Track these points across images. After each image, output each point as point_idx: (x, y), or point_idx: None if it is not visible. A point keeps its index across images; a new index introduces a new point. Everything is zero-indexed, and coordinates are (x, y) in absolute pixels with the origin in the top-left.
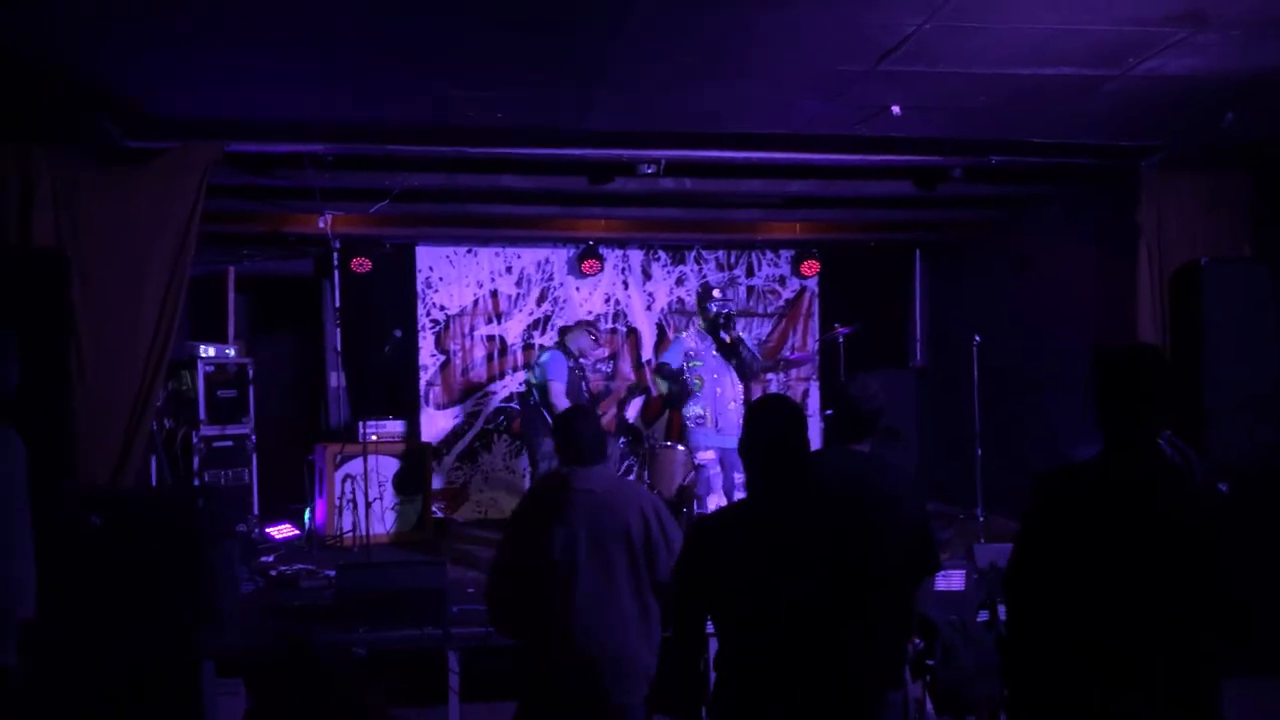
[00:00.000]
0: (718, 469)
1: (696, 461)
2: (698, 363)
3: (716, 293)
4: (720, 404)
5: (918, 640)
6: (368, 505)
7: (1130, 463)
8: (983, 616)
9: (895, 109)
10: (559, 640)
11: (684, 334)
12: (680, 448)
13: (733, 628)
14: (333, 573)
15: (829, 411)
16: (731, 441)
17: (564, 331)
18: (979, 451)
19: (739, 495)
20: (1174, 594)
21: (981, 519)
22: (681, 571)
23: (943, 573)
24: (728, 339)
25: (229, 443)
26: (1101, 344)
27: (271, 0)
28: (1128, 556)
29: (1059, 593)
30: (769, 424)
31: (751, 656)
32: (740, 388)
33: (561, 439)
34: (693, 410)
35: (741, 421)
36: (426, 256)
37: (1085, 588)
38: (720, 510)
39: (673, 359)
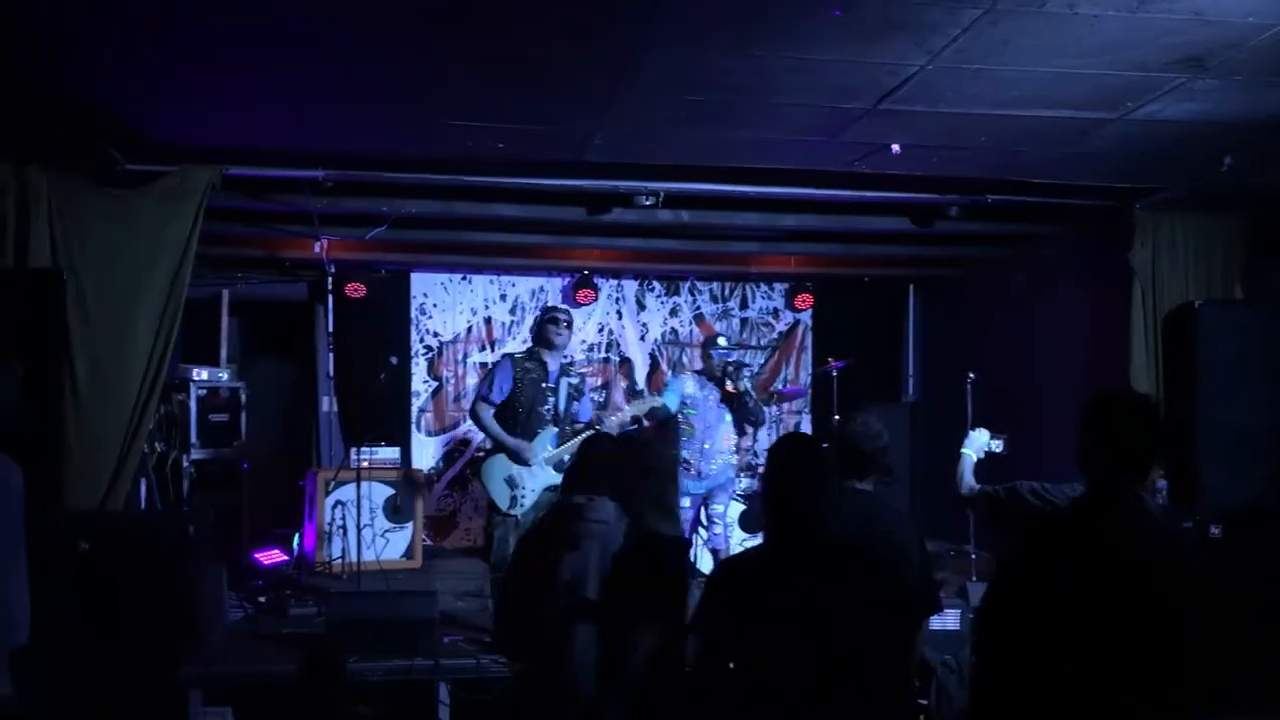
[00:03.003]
0: (690, 511)
1: None
2: (692, 410)
3: (722, 341)
4: (706, 456)
5: (917, 681)
6: (358, 532)
7: (1108, 509)
8: None
9: (895, 147)
10: (558, 671)
11: (683, 376)
12: None
13: (752, 674)
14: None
15: (824, 445)
16: (706, 486)
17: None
18: None
19: (714, 532)
20: (1142, 645)
21: (974, 556)
22: (699, 621)
23: None
24: (733, 389)
25: (220, 467)
26: (1095, 390)
27: (274, 35)
28: (1097, 604)
29: (1027, 637)
30: (793, 472)
31: (763, 703)
32: (731, 439)
33: (573, 465)
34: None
35: (765, 464)
36: (421, 283)
37: (1053, 634)
38: (739, 555)
39: (671, 401)
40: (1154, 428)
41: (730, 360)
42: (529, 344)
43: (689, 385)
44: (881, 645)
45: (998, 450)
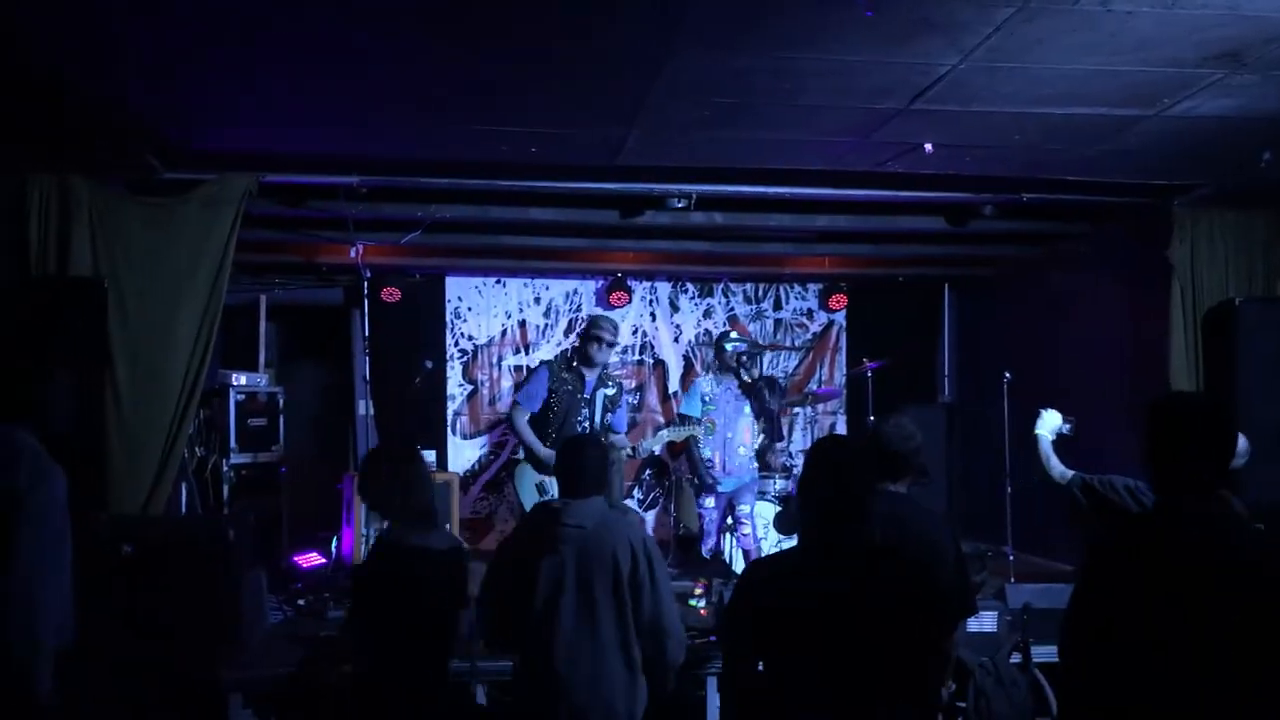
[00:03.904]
0: (715, 513)
1: (697, 509)
2: (711, 406)
3: (734, 333)
4: (730, 448)
5: (950, 684)
6: None
7: (1193, 513)
8: (1015, 659)
9: (928, 147)
10: (543, 682)
11: (698, 379)
12: None
13: (781, 677)
14: None
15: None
16: (734, 484)
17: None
18: (1009, 489)
19: (742, 533)
20: (1244, 654)
21: (1011, 558)
22: (730, 621)
23: None
24: (749, 379)
25: (259, 471)
26: (1162, 395)
27: (308, 45)
28: (1193, 614)
29: (1116, 655)
30: (829, 474)
31: (795, 707)
32: (752, 432)
33: (560, 467)
34: (703, 452)
35: (803, 466)
36: (456, 287)
37: (1147, 648)
38: (770, 557)
39: (692, 409)
40: (1232, 428)
41: (742, 351)
42: (563, 348)
43: (705, 385)
44: (914, 647)
45: (1067, 432)
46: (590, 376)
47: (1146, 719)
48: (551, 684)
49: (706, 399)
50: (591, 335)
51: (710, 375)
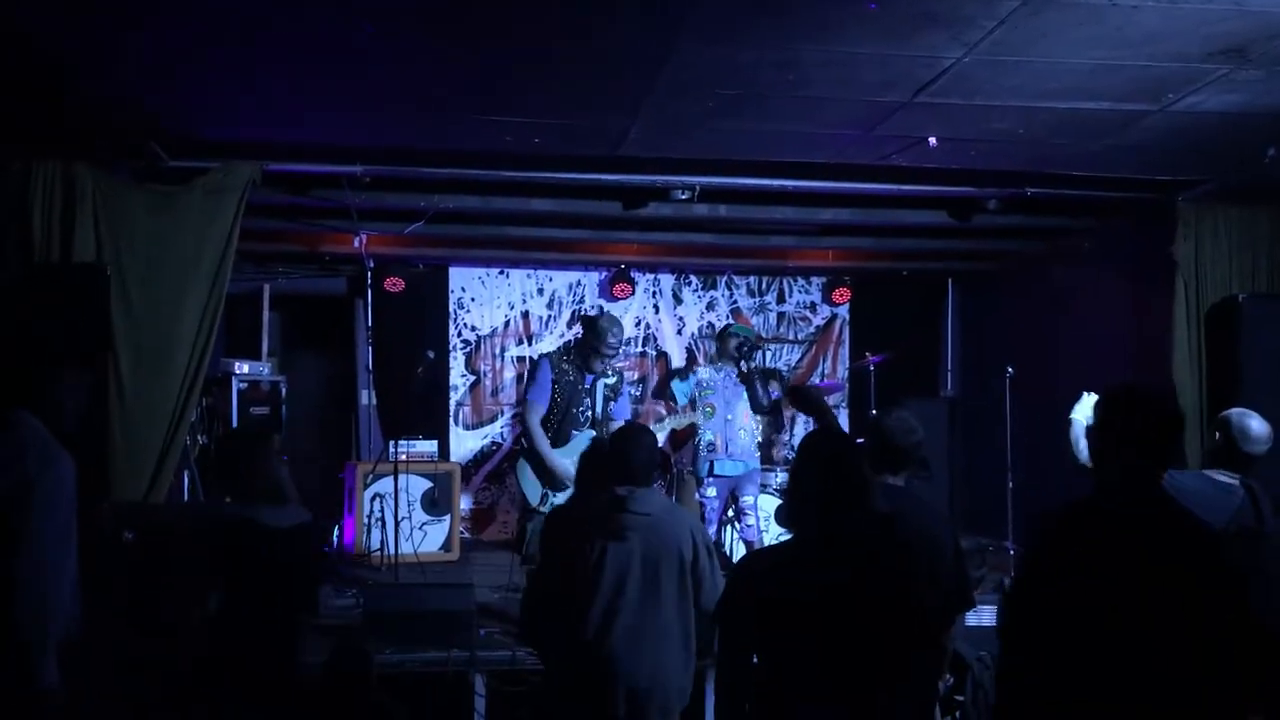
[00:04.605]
0: (717, 502)
1: (698, 498)
2: (710, 391)
3: (737, 324)
4: (731, 430)
5: (948, 676)
6: (396, 524)
7: (1143, 500)
8: None
9: (932, 140)
10: (599, 665)
11: (695, 370)
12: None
13: (777, 668)
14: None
15: (860, 441)
16: (740, 469)
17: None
18: (1010, 483)
19: (746, 524)
20: (1195, 635)
21: (1012, 552)
22: (727, 613)
23: None
24: (744, 369)
25: None
26: (1109, 386)
27: (310, 38)
28: (1143, 596)
29: (1064, 636)
30: (824, 467)
31: (793, 697)
32: (751, 416)
33: (616, 457)
34: (705, 437)
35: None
36: (459, 277)
37: (1096, 631)
38: (767, 549)
39: (682, 393)
40: (1178, 417)
41: (742, 340)
42: (565, 340)
43: (702, 372)
44: (911, 639)
45: None
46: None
47: (1087, 704)
48: (609, 667)
49: (704, 383)
50: (591, 349)
51: (709, 365)
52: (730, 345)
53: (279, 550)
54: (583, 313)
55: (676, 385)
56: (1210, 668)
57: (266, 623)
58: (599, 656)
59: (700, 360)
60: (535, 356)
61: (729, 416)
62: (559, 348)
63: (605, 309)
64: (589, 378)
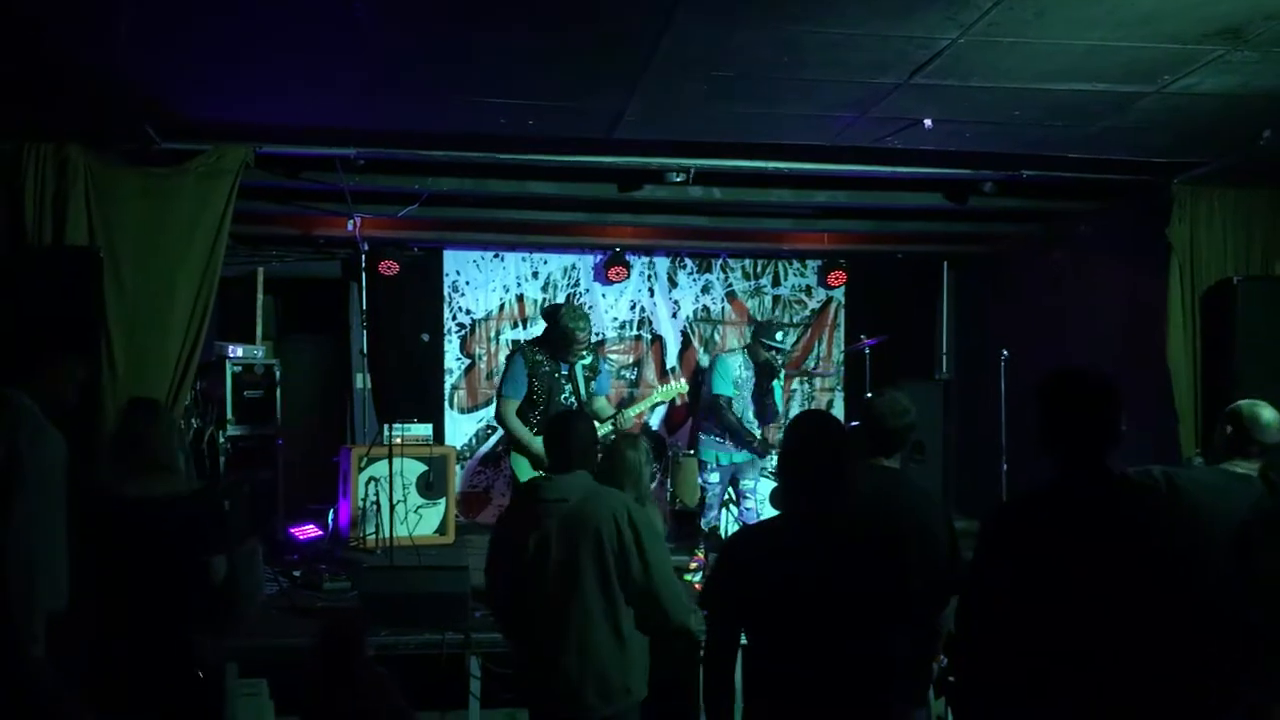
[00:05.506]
0: (719, 487)
1: (700, 482)
2: (738, 392)
3: (779, 335)
4: (746, 420)
5: (942, 658)
6: (391, 508)
7: (1098, 482)
8: None
9: (927, 122)
10: (536, 655)
11: (730, 359)
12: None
13: (764, 645)
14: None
15: (854, 424)
16: (743, 455)
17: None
18: (1005, 466)
19: (745, 507)
20: (1151, 611)
21: None
22: (712, 589)
23: None
24: (765, 385)
25: (255, 443)
26: (1051, 372)
27: (310, 14)
28: (1099, 577)
29: (1022, 618)
30: (811, 448)
31: (782, 675)
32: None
33: (546, 443)
34: (733, 415)
35: (783, 439)
36: (453, 260)
37: (1053, 611)
38: (753, 527)
39: (724, 387)
40: (1113, 394)
41: (777, 353)
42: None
43: (738, 369)
44: (899, 618)
45: None
46: None
47: (1044, 678)
48: (543, 657)
49: (738, 383)
50: (566, 348)
51: (742, 358)
52: (761, 354)
53: (155, 523)
54: (577, 296)
55: (718, 386)
56: (1158, 643)
57: (149, 601)
58: (534, 646)
59: (696, 344)
60: (509, 349)
61: (748, 412)
62: (531, 338)
63: (576, 298)
64: (565, 365)
